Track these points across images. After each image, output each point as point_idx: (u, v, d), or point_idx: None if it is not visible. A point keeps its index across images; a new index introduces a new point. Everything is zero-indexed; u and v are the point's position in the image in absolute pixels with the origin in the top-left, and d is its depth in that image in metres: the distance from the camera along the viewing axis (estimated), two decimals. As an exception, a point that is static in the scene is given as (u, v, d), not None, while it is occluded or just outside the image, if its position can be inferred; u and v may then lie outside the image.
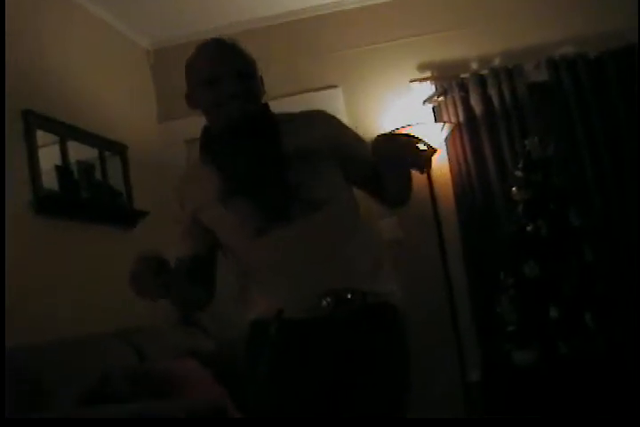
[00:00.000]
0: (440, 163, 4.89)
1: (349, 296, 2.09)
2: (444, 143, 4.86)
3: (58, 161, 4.06)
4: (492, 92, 4.88)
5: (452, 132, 4.85)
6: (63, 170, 4.08)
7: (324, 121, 2.28)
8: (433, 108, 5.03)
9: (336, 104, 4.97)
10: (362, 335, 2.12)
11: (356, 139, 2.32)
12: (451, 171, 4.93)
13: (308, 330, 2.12)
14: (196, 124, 2.37)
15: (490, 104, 4.89)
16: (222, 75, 2.15)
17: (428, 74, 5.10)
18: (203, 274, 2.29)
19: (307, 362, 2.12)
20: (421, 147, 2.00)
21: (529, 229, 4.24)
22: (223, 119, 2.17)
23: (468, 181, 4.86)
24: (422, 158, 2.01)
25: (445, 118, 4.94)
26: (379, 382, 2.10)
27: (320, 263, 2.10)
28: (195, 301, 2.31)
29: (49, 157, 3.96)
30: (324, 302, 2.08)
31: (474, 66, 5.00)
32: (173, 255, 2.22)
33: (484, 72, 4.92)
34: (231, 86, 2.14)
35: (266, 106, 2.26)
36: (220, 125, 2.20)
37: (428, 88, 5.04)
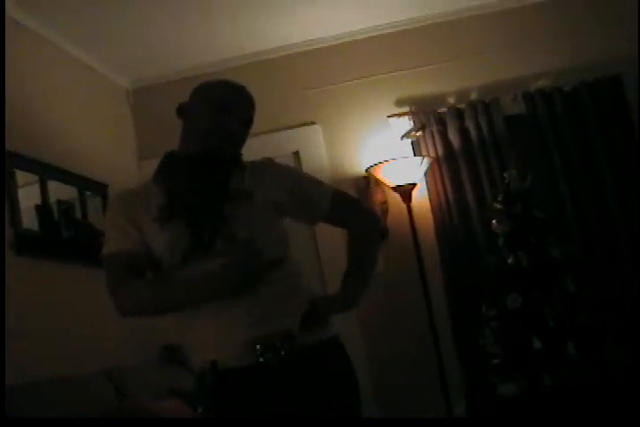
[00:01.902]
0: (420, 196, 4.92)
1: (278, 344, 2.08)
2: (423, 177, 4.89)
3: (38, 200, 4.05)
4: (470, 125, 4.92)
5: (431, 166, 4.87)
6: (43, 209, 4.06)
7: (277, 169, 2.33)
8: (412, 143, 5.06)
9: (315, 140, 5.00)
10: (298, 380, 2.11)
11: (307, 184, 2.37)
12: (431, 204, 4.95)
13: (243, 379, 2.11)
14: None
15: (468, 137, 4.92)
16: (232, 111, 2.25)
17: (405, 109, 5.14)
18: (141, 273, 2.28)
19: (248, 410, 2.11)
20: None
21: (510, 261, 4.24)
22: (202, 146, 2.23)
23: (449, 214, 4.88)
24: None
25: (424, 152, 4.97)
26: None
27: (242, 307, 2.10)
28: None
29: (29, 196, 3.95)
30: (256, 350, 2.08)
31: (451, 100, 5.04)
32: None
33: (462, 106, 4.97)
34: (233, 125, 2.24)
35: (239, 154, 2.34)
36: (193, 149, 2.26)
37: (407, 123, 5.08)
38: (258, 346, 2.08)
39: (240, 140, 2.29)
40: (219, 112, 2.24)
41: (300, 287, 2.25)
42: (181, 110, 2.35)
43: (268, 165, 2.34)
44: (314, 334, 2.16)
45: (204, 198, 2.18)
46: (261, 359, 2.08)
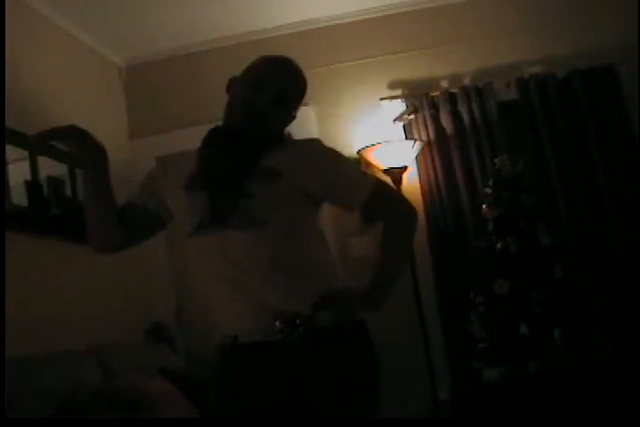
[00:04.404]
0: (410, 180, 4.92)
1: (298, 322, 2.08)
2: (414, 161, 4.89)
3: (27, 176, 4.04)
4: (463, 110, 4.92)
5: (422, 150, 4.88)
6: (33, 186, 4.05)
7: (317, 153, 2.30)
8: (403, 126, 5.06)
9: (307, 122, 5.01)
10: (316, 359, 2.10)
11: (346, 172, 2.34)
12: (421, 188, 4.95)
13: (261, 354, 2.12)
14: (166, 141, 2.39)
15: (460, 122, 4.92)
16: (264, 89, 2.24)
17: (398, 92, 5.13)
18: (127, 219, 2.36)
19: (263, 386, 2.12)
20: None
21: (499, 246, 4.25)
22: (232, 120, 2.27)
23: (439, 198, 4.88)
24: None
25: (416, 136, 4.97)
26: (339, 404, 2.08)
27: (258, 280, 2.13)
28: (102, 228, 2.34)
29: (19, 172, 3.94)
30: (275, 327, 2.08)
31: (444, 84, 5.04)
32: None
33: (455, 90, 4.96)
34: (261, 103, 2.23)
35: (281, 132, 2.36)
36: (226, 123, 2.29)
37: (399, 106, 5.08)
38: (277, 322, 2.08)
39: (269, 118, 2.25)
40: (250, 89, 2.24)
41: (322, 271, 2.23)
42: (228, 85, 2.37)
43: (310, 146, 2.32)
44: (335, 317, 2.14)
45: (227, 172, 2.19)
46: (280, 336, 2.08)
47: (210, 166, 2.23)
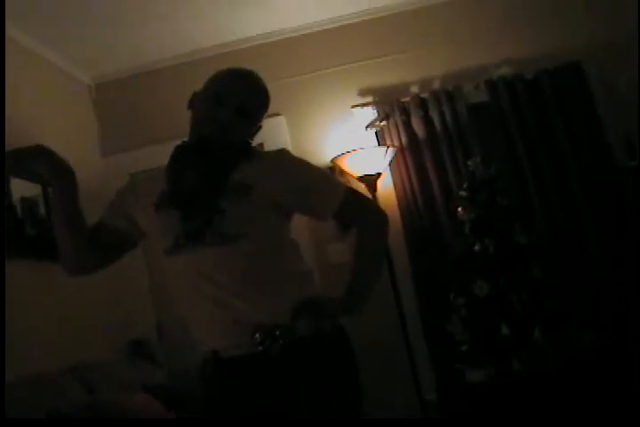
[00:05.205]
0: (385, 186, 4.94)
1: (277, 333, 2.08)
2: (388, 167, 4.90)
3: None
4: (434, 114, 4.94)
5: (395, 156, 4.89)
6: (6, 207, 4.03)
7: (286, 164, 2.30)
8: (376, 133, 5.07)
9: (280, 132, 5.01)
10: (299, 368, 2.10)
11: (316, 181, 2.33)
12: (396, 194, 4.97)
13: (243, 367, 2.13)
14: (139, 157, 2.39)
15: (432, 126, 4.94)
16: (226, 102, 2.23)
17: (369, 99, 5.15)
18: (97, 239, 2.35)
19: (248, 399, 2.12)
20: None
21: (476, 248, 4.27)
22: (198, 134, 2.27)
23: (414, 203, 4.90)
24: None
25: (388, 142, 4.98)
26: (324, 411, 2.09)
27: (234, 295, 2.13)
28: (72, 251, 2.34)
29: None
30: (256, 339, 2.08)
31: (414, 89, 5.06)
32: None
33: (425, 95, 4.98)
34: (224, 116, 2.23)
35: (247, 144, 2.35)
36: (192, 138, 2.29)
37: (370, 113, 5.09)
38: (257, 335, 2.08)
39: (233, 130, 2.24)
40: (211, 103, 2.25)
41: (298, 281, 2.24)
42: (190, 101, 2.37)
43: (278, 157, 2.31)
44: (314, 325, 2.14)
45: (197, 190, 2.19)
46: (261, 348, 2.08)
47: (179, 184, 2.23)
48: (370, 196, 4.75)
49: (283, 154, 2.34)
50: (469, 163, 4.48)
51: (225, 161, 2.23)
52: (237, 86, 2.29)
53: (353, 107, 5.15)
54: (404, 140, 4.96)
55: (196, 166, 2.23)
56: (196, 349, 2.25)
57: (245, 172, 2.20)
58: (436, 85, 5.02)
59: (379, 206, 2.45)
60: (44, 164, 2.15)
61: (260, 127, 2.38)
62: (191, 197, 2.19)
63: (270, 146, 4.92)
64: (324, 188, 2.33)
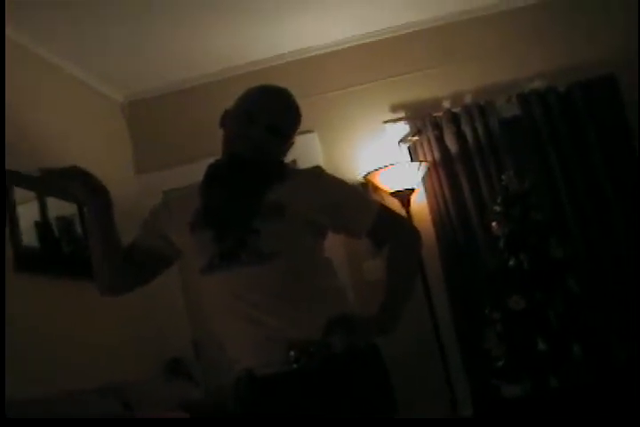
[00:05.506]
0: (419, 201, 4.93)
1: (312, 350, 2.07)
2: (421, 182, 4.89)
3: (37, 217, 4.05)
4: (466, 129, 4.92)
5: (428, 171, 4.88)
6: (43, 226, 4.07)
7: (319, 182, 2.29)
8: (408, 148, 5.07)
9: (312, 149, 5.02)
10: (331, 386, 2.08)
11: (349, 199, 2.33)
12: (430, 209, 4.95)
13: (278, 386, 2.11)
14: (173, 175, 2.41)
15: (464, 141, 4.93)
16: (257, 120, 2.23)
17: (401, 114, 5.15)
18: (132, 259, 2.35)
19: (280, 417, 2.10)
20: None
21: (511, 262, 4.24)
22: (230, 152, 2.26)
23: (448, 218, 4.88)
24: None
25: (421, 157, 4.98)
26: None
27: (269, 314, 2.12)
28: (107, 270, 2.35)
29: (28, 213, 3.96)
30: (291, 356, 2.07)
31: (446, 104, 5.04)
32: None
33: (457, 110, 4.97)
34: (256, 134, 2.22)
35: (281, 163, 2.35)
36: (225, 157, 2.29)
37: (403, 128, 5.09)
38: (292, 352, 2.07)
39: (266, 148, 2.24)
40: (242, 121, 2.25)
41: (331, 298, 2.23)
42: (221, 120, 2.36)
43: (312, 175, 2.31)
44: (347, 341, 2.11)
45: (232, 211, 2.19)
46: (295, 366, 2.07)
47: (213, 203, 2.23)
48: (403, 211, 4.74)
49: (316, 172, 2.34)
50: (503, 177, 4.46)
51: (259, 180, 2.22)
52: (268, 104, 2.29)
53: (385, 122, 5.15)
54: (436, 155, 4.95)
55: (230, 186, 2.23)
56: (231, 367, 2.25)
57: (279, 191, 2.20)
58: (468, 100, 5.01)
59: (412, 224, 2.44)
60: (80, 185, 2.16)
61: (293, 144, 2.38)
62: (225, 216, 2.19)
63: (303, 163, 4.93)
64: (358, 206, 2.33)
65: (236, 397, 2.21)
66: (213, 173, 2.30)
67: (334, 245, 2.34)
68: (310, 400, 2.09)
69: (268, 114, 2.25)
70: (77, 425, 2.96)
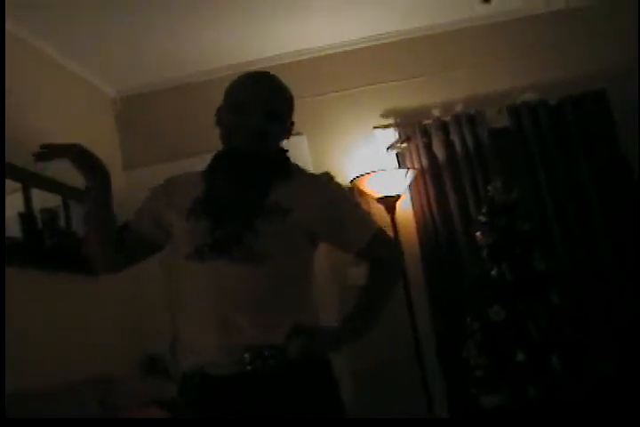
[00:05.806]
0: (404, 208, 4.93)
1: (266, 353, 2.06)
2: (407, 189, 4.90)
3: (21, 208, 4.03)
4: (455, 137, 4.94)
5: (415, 178, 4.89)
6: (27, 218, 4.04)
7: (326, 192, 2.28)
8: (397, 155, 5.08)
9: (301, 151, 5.00)
10: (281, 391, 2.08)
11: (351, 216, 2.32)
12: (415, 216, 4.96)
13: (229, 386, 2.10)
14: (161, 171, 2.39)
15: (452, 150, 4.94)
16: (258, 110, 2.19)
17: (391, 121, 5.16)
18: (122, 242, 2.35)
19: (229, 416, 2.10)
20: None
21: (493, 273, 4.25)
22: (231, 146, 2.24)
23: (432, 226, 4.89)
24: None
25: (409, 164, 4.98)
26: None
27: (241, 314, 2.10)
28: (103, 249, 2.34)
29: (12, 204, 3.93)
30: (245, 358, 2.06)
31: (436, 112, 5.05)
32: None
33: (447, 118, 4.98)
34: (253, 123, 2.18)
35: (282, 149, 2.32)
36: (226, 150, 2.27)
37: (392, 135, 5.10)
38: (246, 354, 2.06)
39: (268, 136, 2.21)
40: (236, 112, 2.21)
41: (303, 309, 2.21)
42: (216, 117, 2.33)
43: (320, 183, 2.30)
44: (303, 349, 2.10)
45: (234, 206, 2.18)
46: (249, 368, 2.06)
47: (215, 195, 2.22)
48: (388, 217, 4.74)
49: (324, 180, 2.33)
50: (489, 188, 4.47)
51: (263, 175, 2.21)
52: (260, 90, 2.25)
53: (375, 128, 5.15)
54: (424, 162, 4.96)
55: (234, 179, 2.22)
56: (182, 357, 2.25)
57: (284, 192, 2.18)
58: (459, 109, 5.02)
59: (399, 253, 2.42)
60: (80, 161, 2.20)
61: (293, 124, 2.34)
62: (224, 209, 2.18)
63: (291, 164, 4.94)
64: (358, 225, 2.31)
65: (187, 391, 2.21)
66: (218, 163, 2.28)
67: (320, 251, 2.33)
68: (258, 403, 2.08)
69: (263, 101, 2.21)
70: (77, 425, 2.94)
